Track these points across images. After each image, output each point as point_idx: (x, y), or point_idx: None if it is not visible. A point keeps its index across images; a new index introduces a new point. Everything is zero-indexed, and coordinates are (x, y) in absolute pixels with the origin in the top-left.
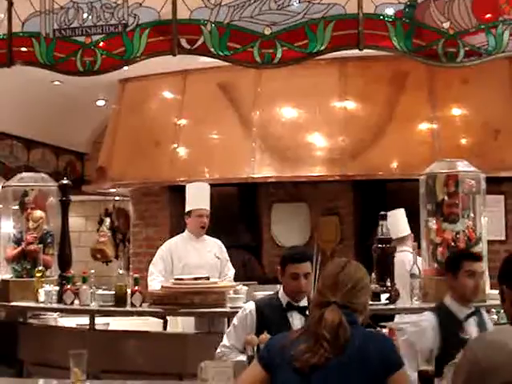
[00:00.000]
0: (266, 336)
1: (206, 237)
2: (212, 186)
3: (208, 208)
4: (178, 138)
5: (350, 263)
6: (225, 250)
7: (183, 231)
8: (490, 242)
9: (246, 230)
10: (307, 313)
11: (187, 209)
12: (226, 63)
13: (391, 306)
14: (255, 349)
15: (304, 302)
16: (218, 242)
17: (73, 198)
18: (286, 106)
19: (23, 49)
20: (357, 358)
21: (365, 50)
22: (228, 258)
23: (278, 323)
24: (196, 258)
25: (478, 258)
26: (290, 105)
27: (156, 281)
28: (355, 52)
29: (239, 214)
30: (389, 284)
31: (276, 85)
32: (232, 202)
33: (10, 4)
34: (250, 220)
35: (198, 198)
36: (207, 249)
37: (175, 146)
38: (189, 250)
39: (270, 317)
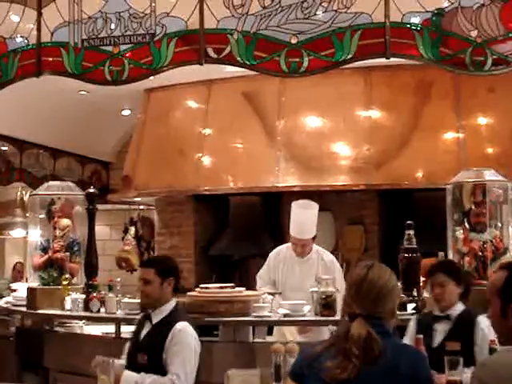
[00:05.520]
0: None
1: (312, 255)
2: (236, 194)
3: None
4: (202, 147)
5: (373, 267)
6: (335, 267)
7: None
8: None
9: (269, 238)
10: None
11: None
12: (251, 72)
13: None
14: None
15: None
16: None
17: (98, 206)
18: (310, 115)
19: (51, 58)
20: (387, 370)
21: (390, 59)
22: (339, 275)
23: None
24: (297, 280)
25: None
26: (315, 114)
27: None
28: (380, 61)
29: (263, 222)
30: (415, 294)
31: (300, 94)
32: (256, 211)
33: (40, 14)
34: (273, 229)
35: (299, 223)
36: (312, 270)
37: (200, 155)
38: (294, 271)
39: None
